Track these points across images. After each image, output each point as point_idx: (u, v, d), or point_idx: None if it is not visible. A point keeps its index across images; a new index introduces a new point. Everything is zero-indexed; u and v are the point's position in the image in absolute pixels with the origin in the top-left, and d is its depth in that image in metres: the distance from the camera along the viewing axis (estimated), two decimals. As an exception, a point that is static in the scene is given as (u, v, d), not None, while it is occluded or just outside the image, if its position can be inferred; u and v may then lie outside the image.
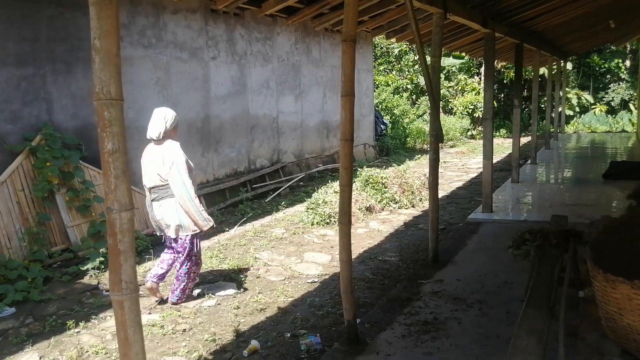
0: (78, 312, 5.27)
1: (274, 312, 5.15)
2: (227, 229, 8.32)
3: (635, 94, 25.29)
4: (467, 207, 9.39)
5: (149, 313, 5.21)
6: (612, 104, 25.96)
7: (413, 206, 9.48)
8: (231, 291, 5.70)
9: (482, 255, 6.31)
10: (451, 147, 18.82)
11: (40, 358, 4.37)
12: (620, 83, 26.48)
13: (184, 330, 4.79)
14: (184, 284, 5.33)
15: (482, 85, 21.76)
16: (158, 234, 5.45)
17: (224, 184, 9.66)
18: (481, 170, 13.90)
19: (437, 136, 5.85)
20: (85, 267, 6.27)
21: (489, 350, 4.00)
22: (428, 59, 5.83)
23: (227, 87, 9.78)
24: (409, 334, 4.32)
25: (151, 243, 7.36)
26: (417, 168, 13.78)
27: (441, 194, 10.62)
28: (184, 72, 8.76)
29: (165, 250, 5.50)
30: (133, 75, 7.90)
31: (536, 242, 4.28)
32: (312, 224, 8.34)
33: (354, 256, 6.84)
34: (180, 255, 5.28)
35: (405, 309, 4.83)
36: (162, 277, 5.44)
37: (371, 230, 8.07)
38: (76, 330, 4.86)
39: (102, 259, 6.42)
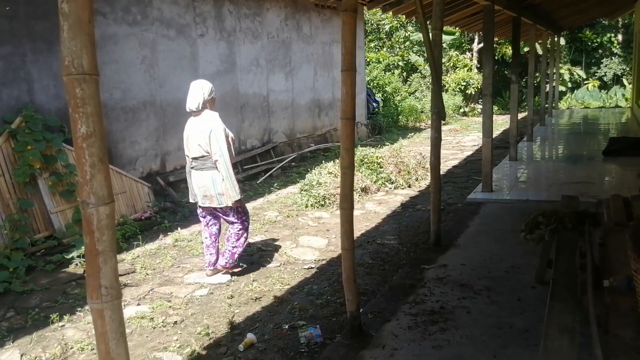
0: (63, 304, 4.98)
1: (270, 302, 4.89)
2: (218, 213, 8.02)
3: (627, 69, 25.08)
4: (465, 186, 9.14)
5: (138, 304, 4.92)
6: (605, 79, 25.73)
7: (409, 186, 9.21)
8: (224, 279, 5.42)
9: (486, 238, 6.05)
10: (444, 124, 18.51)
11: (21, 356, 4.08)
12: (613, 58, 26.24)
13: (175, 322, 4.52)
14: (235, 247, 5.42)
15: (475, 61, 21.46)
16: (191, 200, 5.50)
17: (214, 166, 9.34)
18: (476, 148, 13.73)
19: (440, 113, 5.56)
20: (70, 255, 5.97)
21: (503, 342, 3.76)
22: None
23: (215, 65, 9.41)
24: (416, 325, 4.06)
25: (139, 228, 7.06)
26: (411, 147, 13.52)
27: (437, 173, 10.38)
28: (171, 50, 8.38)
29: (205, 235, 5.55)
30: (118, 54, 7.52)
31: (550, 225, 4.02)
32: (307, 206, 8.06)
33: (351, 240, 6.59)
34: (230, 221, 5.39)
35: (410, 297, 4.57)
36: (216, 262, 5.52)
37: (367, 212, 7.80)
38: (60, 324, 4.57)
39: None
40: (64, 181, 6.58)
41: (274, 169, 10.58)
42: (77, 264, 5.89)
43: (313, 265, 5.75)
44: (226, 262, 5.44)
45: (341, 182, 3.76)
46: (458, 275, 5.03)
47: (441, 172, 10.43)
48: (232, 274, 5.52)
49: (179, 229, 7.21)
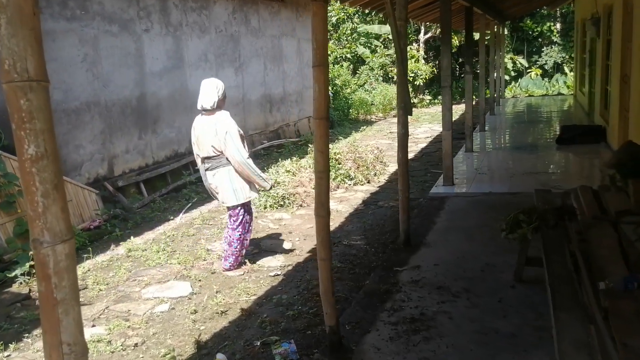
0: (7, 329, 4.52)
1: (237, 315, 4.56)
2: (171, 217, 7.60)
3: (567, 57, 25.63)
4: (424, 179, 9.00)
5: (93, 325, 4.51)
6: (546, 67, 26.22)
7: (369, 182, 9.00)
8: (185, 292, 5.06)
9: (455, 235, 5.88)
10: (394, 116, 18.44)
11: (-38, 394, 3.64)
12: (553, 46, 26.76)
13: (136, 344, 4.15)
14: (237, 250, 5.43)
15: (422, 52, 21.47)
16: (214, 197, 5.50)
17: (164, 168, 8.89)
18: (430, 139, 13.66)
19: (406, 108, 5.33)
20: (13, 274, 5.47)
21: (491, 350, 3.55)
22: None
23: (162, 61, 8.94)
24: (398, 336, 3.81)
25: (89, 239, 6.59)
26: (364, 140, 13.34)
27: (394, 167, 10.19)
28: (114, 46, 7.88)
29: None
30: (56, 52, 6.99)
31: (532, 223, 3.84)
32: (265, 207, 7.73)
33: (314, 241, 6.30)
34: (233, 221, 5.37)
35: (387, 304, 4.32)
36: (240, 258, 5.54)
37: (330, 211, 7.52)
38: (6, 353, 4.12)
39: (32, 262, 5.62)
40: (3, 192, 6.05)
41: (228, 169, 10.19)
42: (21, 283, 5.41)
43: (279, 272, 5.45)
44: (230, 266, 5.48)
45: (316, 187, 3.47)
46: (433, 276, 4.82)
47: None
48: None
49: (131, 237, 6.78)
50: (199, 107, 5.14)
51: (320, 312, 4.37)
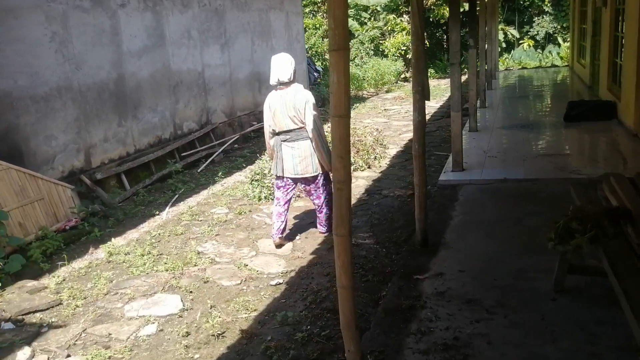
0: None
1: (237, 338, 3.95)
2: (157, 212, 6.93)
3: (559, 27, 24.95)
4: (430, 164, 8.32)
5: (68, 355, 3.87)
6: (537, 38, 25.52)
7: (369, 167, 8.35)
8: (175, 308, 4.42)
9: (475, 232, 5.26)
10: (387, 92, 17.72)
11: None
12: (544, 16, 26.05)
13: (119, 382, 3.51)
14: (329, 213, 5.52)
15: (410, 24, 20.67)
16: (275, 174, 5.53)
17: (147, 156, 8.16)
18: (428, 117, 12.96)
19: (424, 92, 4.66)
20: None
21: (550, 390, 2.95)
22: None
23: (141, 39, 8.15)
24: (432, 370, 3.20)
25: (64, 241, 5.90)
26: (357, 118, 12.68)
27: (394, 149, 9.57)
28: (87, 24, 7.08)
29: (280, 202, 5.54)
30: (20, 31, 6.20)
31: (588, 233, 3.22)
32: (259, 199, 7.07)
33: (317, 240, 5.68)
34: (318, 190, 5.48)
35: (412, 325, 3.71)
36: (284, 230, 5.61)
37: (330, 202, 6.89)
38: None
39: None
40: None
41: (216, 154, 9.48)
42: (-15, 300, 4.73)
43: (281, 280, 4.81)
44: (327, 230, 5.65)
45: (335, 200, 2.81)
46: (460, 287, 4.20)
47: (400, 148, 9.73)
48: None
49: (112, 238, 6.11)
50: (274, 82, 5.20)
51: (334, 334, 3.79)
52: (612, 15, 10.36)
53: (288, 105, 5.16)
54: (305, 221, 6.24)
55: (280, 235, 5.56)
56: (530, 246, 4.76)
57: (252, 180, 7.36)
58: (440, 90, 17.04)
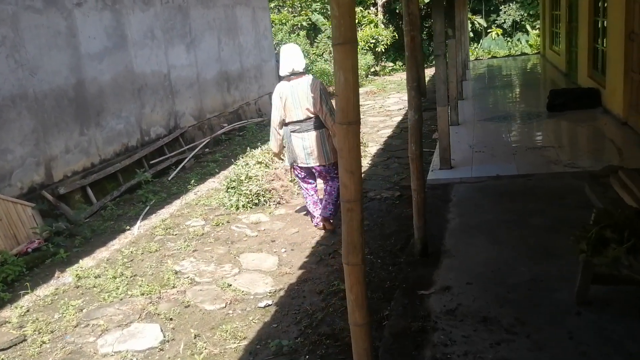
0: None
1: (228, 374, 3.48)
2: (128, 227, 6.41)
3: (525, 15, 24.92)
4: (413, 161, 7.97)
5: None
6: (505, 26, 25.45)
7: (350, 167, 7.91)
8: (155, 340, 3.94)
9: (477, 236, 4.88)
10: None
11: None
12: (511, 4, 25.99)
13: None
14: (337, 199, 5.44)
15: (381, 16, 20.34)
16: (289, 163, 5.57)
17: (114, 166, 7.60)
18: (404, 112, 12.64)
19: (419, 89, 4.25)
20: None
21: None
22: None
23: (101, 41, 7.58)
24: (458, 408, 2.80)
25: (26, 266, 5.35)
26: (333, 116, 12.22)
27: (374, 146, 9.19)
28: (40, 25, 6.49)
29: (309, 192, 5.66)
30: (-35, 35, 5.61)
31: (626, 243, 2.85)
32: (237, 208, 6.60)
33: (305, 252, 5.24)
34: (330, 177, 5.52)
35: (426, 352, 3.29)
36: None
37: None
38: None
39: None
40: None
41: (186, 160, 8.96)
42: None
43: (270, 302, 4.36)
44: (331, 213, 5.58)
45: (345, 223, 2.37)
46: (471, 302, 3.80)
47: (379, 146, 9.32)
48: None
49: (80, 259, 5.59)
50: (287, 72, 5.24)
51: (338, 366, 3.35)
52: (590, 1, 10.12)
53: (301, 96, 5.20)
54: (289, 229, 5.80)
55: (321, 220, 5.63)
56: (539, 250, 4.41)
57: (228, 188, 6.88)
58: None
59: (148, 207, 7.04)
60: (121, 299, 4.62)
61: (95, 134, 7.39)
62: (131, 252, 5.63)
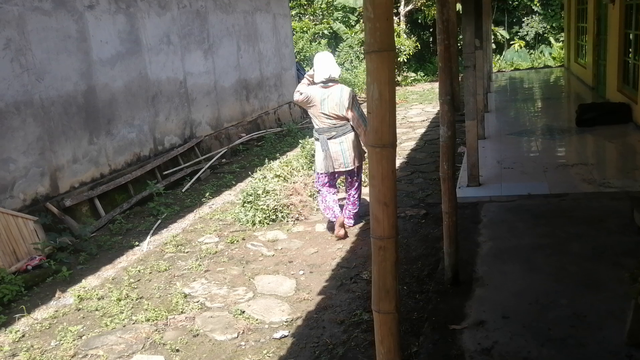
0: None
1: (238, 420, 3.07)
2: (136, 243, 6.04)
3: (548, 27, 24.39)
4: (438, 177, 7.51)
5: None
6: (527, 38, 24.94)
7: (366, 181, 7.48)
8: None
9: (512, 263, 4.43)
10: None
11: None
12: (533, 16, 25.47)
13: None
14: (358, 207, 5.88)
15: (403, 26, 19.94)
16: (322, 171, 5.61)
17: (124, 177, 7.25)
18: (427, 124, 12.21)
19: (453, 102, 3.84)
20: None
21: None
22: None
23: (114, 45, 7.26)
24: None
25: (25, 284, 5.00)
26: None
27: (398, 160, 8.71)
28: (48, 28, 6.17)
29: (332, 198, 5.70)
30: (-32, 37, 5.29)
31: None
32: (254, 224, 6.21)
33: (324, 275, 4.82)
34: (356, 183, 5.77)
35: (465, 403, 2.86)
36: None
37: (333, 225, 6.04)
38: None
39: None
40: None
41: (202, 171, 8.59)
42: None
43: (286, 332, 3.95)
44: (354, 222, 5.87)
45: (376, 264, 1.96)
46: (509, 340, 3.36)
47: (402, 159, 8.89)
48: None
49: (83, 277, 5.23)
50: (324, 78, 5.40)
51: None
52: (621, 12, 9.64)
53: (335, 102, 5.38)
54: (307, 249, 5.40)
55: (350, 217, 5.84)
56: (581, 280, 3.98)
57: (244, 203, 6.49)
58: (434, 94, 16.29)
59: (159, 221, 6.67)
60: (124, 326, 4.23)
61: (105, 143, 7.06)
62: (138, 270, 5.26)
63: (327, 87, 5.41)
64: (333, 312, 4.17)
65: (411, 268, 4.78)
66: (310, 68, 5.95)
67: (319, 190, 5.76)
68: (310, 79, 5.57)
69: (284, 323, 4.09)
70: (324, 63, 5.42)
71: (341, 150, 5.47)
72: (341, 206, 5.85)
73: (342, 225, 5.58)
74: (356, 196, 5.80)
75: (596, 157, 7.54)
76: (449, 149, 3.98)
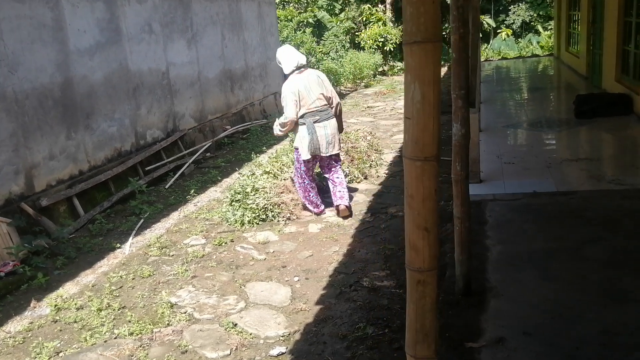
0: None
1: None
2: (118, 245, 5.68)
3: (535, 15, 24.22)
4: (440, 174, 7.23)
5: None
6: (514, 27, 24.72)
7: (366, 178, 7.19)
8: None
9: (526, 270, 4.15)
10: (366, 86, 16.56)
11: None
12: (520, 4, 25.26)
13: None
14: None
15: (389, 14, 19.59)
16: (307, 157, 5.60)
17: (105, 174, 6.86)
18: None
19: (467, 97, 3.53)
20: None
21: None
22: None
23: (92, 35, 6.83)
24: None
25: (4, 287, 4.62)
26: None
27: (389, 154, 8.44)
28: (22, 16, 5.74)
29: (313, 184, 5.84)
30: None
31: None
32: (242, 224, 5.87)
33: (321, 282, 4.48)
34: (338, 166, 5.86)
35: None
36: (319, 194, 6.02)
37: (328, 225, 5.74)
38: None
39: None
40: None
41: (186, 166, 8.22)
42: None
43: (283, 349, 3.63)
44: (348, 202, 5.85)
45: (413, 302, 1.65)
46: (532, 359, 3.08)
47: (395, 153, 8.58)
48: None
49: (61, 284, 4.86)
50: (293, 67, 5.57)
51: None
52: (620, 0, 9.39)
53: (313, 84, 5.55)
54: (301, 251, 5.07)
55: (347, 205, 5.80)
56: (606, 291, 3.70)
57: (232, 201, 6.14)
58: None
59: (142, 221, 6.31)
60: (105, 341, 3.88)
61: (84, 138, 6.65)
62: (120, 276, 4.90)
63: (302, 73, 5.59)
64: (334, 325, 3.86)
65: (414, 274, 4.47)
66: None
67: (302, 183, 5.78)
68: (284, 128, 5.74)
69: (281, 338, 3.77)
70: (290, 53, 5.65)
71: (325, 135, 5.58)
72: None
73: (345, 208, 5.75)
74: (342, 176, 5.85)
75: (601, 151, 7.29)
76: (462, 148, 3.69)
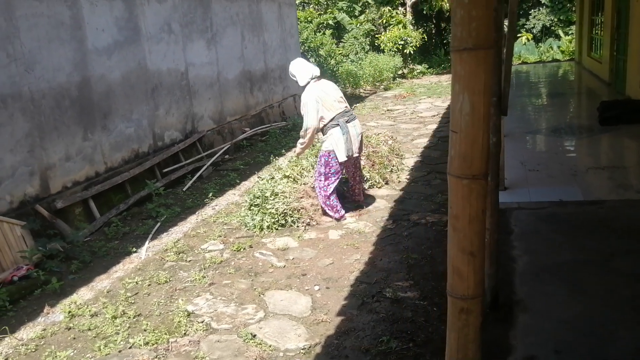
0: None
1: None
2: (134, 249, 5.56)
3: (556, 20, 23.86)
4: (458, 178, 7.03)
5: None
6: (534, 31, 24.38)
7: (387, 183, 7.01)
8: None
9: (554, 284, 3.95)
10: (385, 89, 16.39)
11: None
12: (540, 9, 24.91)
13: None
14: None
15: (410, 16, 19.37)
16: (344, 159, 5.60)
17: (121, 175, 6.74)
18: (438, 119, 11.69)
19: (499, 104, 3.35)
20: None
21: None
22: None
23: (111, 34, 6.73)
24: None
25: (10, 298, 4.52)
26: (360, 122, 11.30)
27: (411, 158, 8.25)
28: (38, 14, 5.64)
29: (336, 181, 5.73)
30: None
31: None
32: (262, 229, 5.72)
33: (343, 291, 4.31)
34: (359, 163, 6.02)
35: None
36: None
37: (348, 232, 5.57)
38: None
39: None
40: None
41: (204, 168, 8.09)
42: None
43: (305, 363, 3.47)
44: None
45: (455, 330, 1.50)
46: (572, 384, 2.89)
47: (417, 157, 8.32)
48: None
49: (75, 289, 4.74)
50: (308, 79, 5.67)
51: None
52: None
53: (332, 90, 5.67)
54: (322, 259, 4.91)
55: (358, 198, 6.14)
56: (633, 304, 3.49)
57: (251, 206, 6.00)
58: (442, 87, 15.79)
59: (159, 224, 6.18)
60: (120, 351, 3.75)
61: (101, 139, 6.55)
62: (136, 282, 4.77)
63: (316, 82, 5.68)
64: (356, 338, 3.69)
65: (439, 285, 4.30)
66: (309, 60, 5.91)
67: (326, 186, 5.68)
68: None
69: (301, 351, 3.61)
70: (304, 65, 5.77)
71: (356, 134, 5.66)
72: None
73: (362, 199, 6.17)
74: (362, 176, 6.15)
75: (628, 159, 7.05)
76: (493, 157, 3.49)
